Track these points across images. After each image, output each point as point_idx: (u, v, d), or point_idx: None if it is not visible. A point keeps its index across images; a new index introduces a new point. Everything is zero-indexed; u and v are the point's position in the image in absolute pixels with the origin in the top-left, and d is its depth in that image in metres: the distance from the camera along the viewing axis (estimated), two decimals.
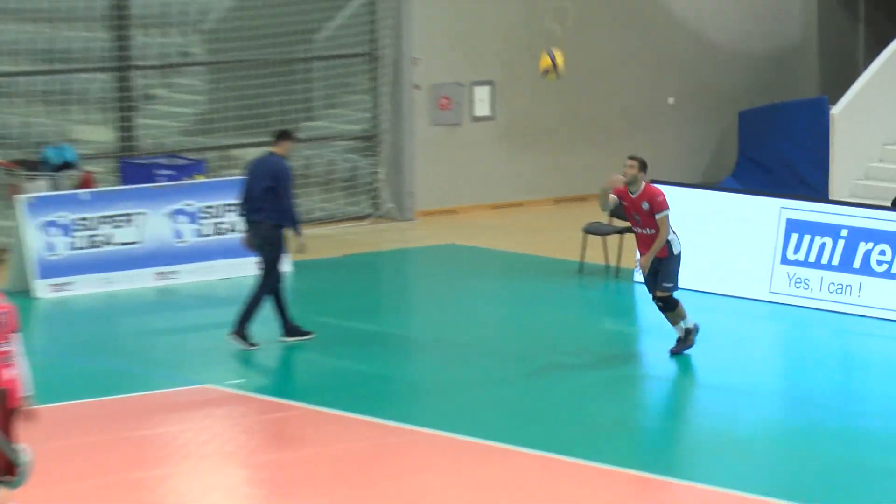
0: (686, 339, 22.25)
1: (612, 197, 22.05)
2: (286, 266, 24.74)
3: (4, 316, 15.22)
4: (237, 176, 27.66)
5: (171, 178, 28.54)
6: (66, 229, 26.38)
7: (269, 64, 30.74)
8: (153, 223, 27.08)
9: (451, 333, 25.30)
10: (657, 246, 21.81)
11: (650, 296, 22.26)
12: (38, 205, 26.35)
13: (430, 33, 31.83)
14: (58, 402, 19.18)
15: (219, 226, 27.72)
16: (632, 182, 21.63)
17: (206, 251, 27.60)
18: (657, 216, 21.72)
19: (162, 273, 27.26)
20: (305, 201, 28.22)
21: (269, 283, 23.41)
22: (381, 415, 20.50)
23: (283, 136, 24.03)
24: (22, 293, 25.46)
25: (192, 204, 27.58)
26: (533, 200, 32.36)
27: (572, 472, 18.47)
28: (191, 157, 29.77)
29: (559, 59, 22.97)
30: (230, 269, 27.29)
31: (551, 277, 27.48)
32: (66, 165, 27.87)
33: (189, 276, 27.49)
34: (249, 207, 23.63)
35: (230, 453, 19.99)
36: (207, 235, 27.68)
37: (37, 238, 26.41)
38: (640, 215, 21.75)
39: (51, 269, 26.31)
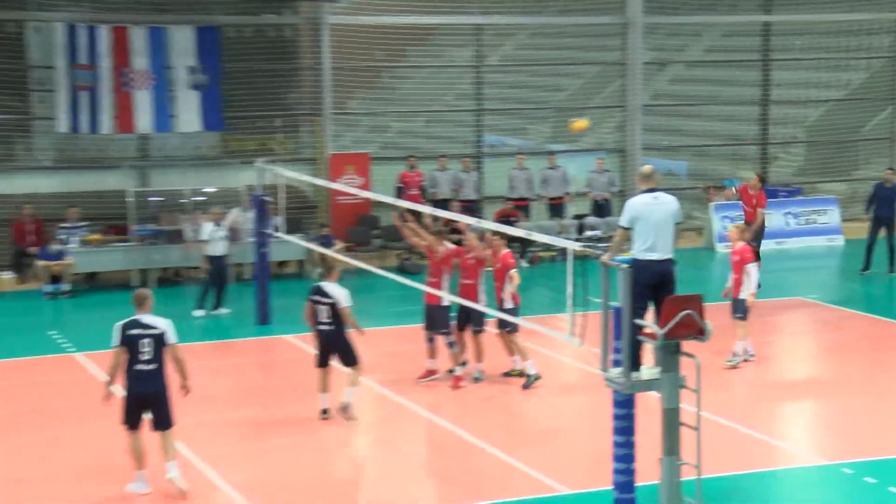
0: None
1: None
2: None
3: (736, 257, 16.27)
4: (816, 196, 27.97)
5: (786, 195, 27.44)
6: (734, 220, 24.15)
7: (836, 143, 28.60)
8: (775, 218, 25.96)
9: None
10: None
11: None
12: (717, 207, 25.97)
13: None
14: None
15: (807, 220, 26.72)
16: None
17: (799, 232, 26.58)
18: None
19: (779, 241, 25.90)
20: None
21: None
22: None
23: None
24: (709, 250, 25.76)
25: (796, 209, 26.79)
26: None
27: None
28: (795, 187, 28.33)
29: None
30: (811, 242, 26.43)
31: None
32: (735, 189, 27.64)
33: (792, 244, 26.24)
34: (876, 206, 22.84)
35: (799, 332, 19.41)
36: (801, 225, 26.70)
37: (717, 222, 25.76)
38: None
39: (725, 239, 24.11)
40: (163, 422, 11.70)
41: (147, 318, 11.73)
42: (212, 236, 19.82)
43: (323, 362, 14.12)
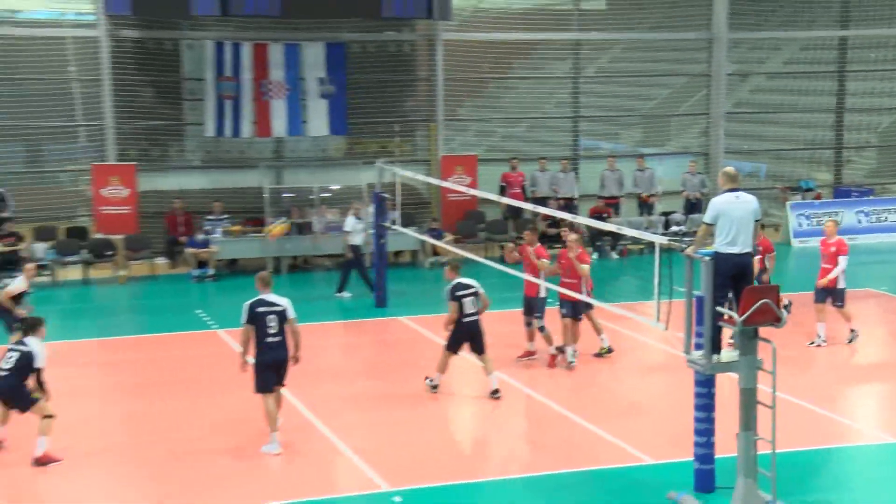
0: None
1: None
2: None
3: (833, 248, 16.19)
4: (887, 196, 27.10)
5: (859, 195, 26.66)
6: (809, 217, 25.46)
7: None
8: (848, 216, 25.53)
9: None
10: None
11: None
12: (793, 206, 25.63)
13: None
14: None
15: (878, 218, 25.95)
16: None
17: (870, 230, 25.83)
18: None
19: (851, 238, 23.33)
20: None
21: None
22: None
23: None
24: (785, 244, 25.00)
25: (867, 208, 26.00)
26: None
27: None
28: (867, 188, 27.64)
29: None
30: (881, 238, 25.77)
31: None
32: (809, 190, 26.63)
33: (863, 240, 25.18)
34: None
35: (870, 320, 18.46)
36: (872, 223, 25.92)
37: (792, 219, 25.40)
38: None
39: (800, 234, 25.35)
40: (283, 382, 12.19)
41: (271, 297, 12.09)
42: (353, 228, 19.98)
43: (457, 349, 14.10)
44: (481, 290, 14.03)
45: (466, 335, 13.98)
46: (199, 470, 11.74)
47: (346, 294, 20.13)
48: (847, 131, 28.74)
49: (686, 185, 25.62)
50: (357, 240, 20.02)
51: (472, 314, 13.95)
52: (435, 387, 14.20)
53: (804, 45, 30.81)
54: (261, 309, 11.97)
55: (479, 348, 14.08)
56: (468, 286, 13.97)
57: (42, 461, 11.72)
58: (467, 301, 13.90)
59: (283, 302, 12.10)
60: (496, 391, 13.96)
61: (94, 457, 12.19)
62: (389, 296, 19.21)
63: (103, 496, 11.28)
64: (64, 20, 23.55)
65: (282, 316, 12.01)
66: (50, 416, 11.85)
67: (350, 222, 20.09)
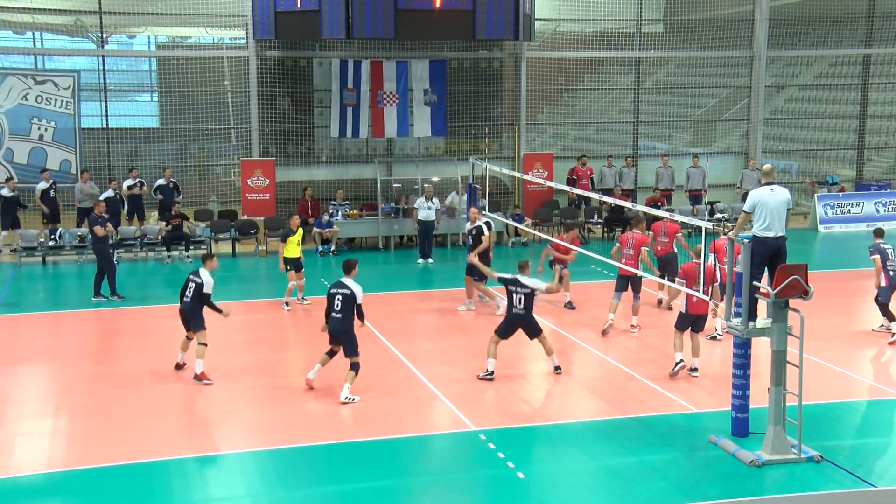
0: None
1: None
2: None
3: None
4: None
5: (878, 188, 25.70)
6: (833, 207, 24.68)
7: None
8: (868, 206, 24.70)
9: None
10: None
11: None
12: (820, 197, 24.77)
13: None
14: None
15: (894, 207, 24.85)
16: None
17: (887, 217, 24.60)
18: None
19: (870, 224, 23.49)
20: None
21: None
22: None
23: None
24: (812, 230, 24.42)
25: (885, 199, 25.01)
26: None
27: None
28: (885, 182, 26.36)
29: None
30: (894, 225, 25.29)
31: None
32: (834, 184, 25.84)
33: (881, 226, 25.14)
34: None
35: None
36: (888, 212, 24.86)
37: (819, 208, 24.45)
38: None
39: (825, 221, 24.44)
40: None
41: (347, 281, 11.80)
42: (420, 206, 20.65)
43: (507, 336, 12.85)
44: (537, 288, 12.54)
45: (517, 326, 12.62)
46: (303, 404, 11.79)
47: (429, 260, 20.62)
48: (868, 134, 27.89)
49: (745, 179, 24.64)
50: (422, 215, 20.56)
51: (521, 309, 12.46)
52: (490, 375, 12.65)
53: (832, 61, 29.97)
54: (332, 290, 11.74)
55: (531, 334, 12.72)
56: (523, 285, 12.45)
57: (199, 378, 12.41)
58: (516, 297, 12.42)
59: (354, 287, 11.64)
60: (558, 367, 12.96)
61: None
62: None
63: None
64: (222, 44, 23.96)
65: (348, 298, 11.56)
66: (204, 345, 12.41)
67: (419, 201, 20.77)
